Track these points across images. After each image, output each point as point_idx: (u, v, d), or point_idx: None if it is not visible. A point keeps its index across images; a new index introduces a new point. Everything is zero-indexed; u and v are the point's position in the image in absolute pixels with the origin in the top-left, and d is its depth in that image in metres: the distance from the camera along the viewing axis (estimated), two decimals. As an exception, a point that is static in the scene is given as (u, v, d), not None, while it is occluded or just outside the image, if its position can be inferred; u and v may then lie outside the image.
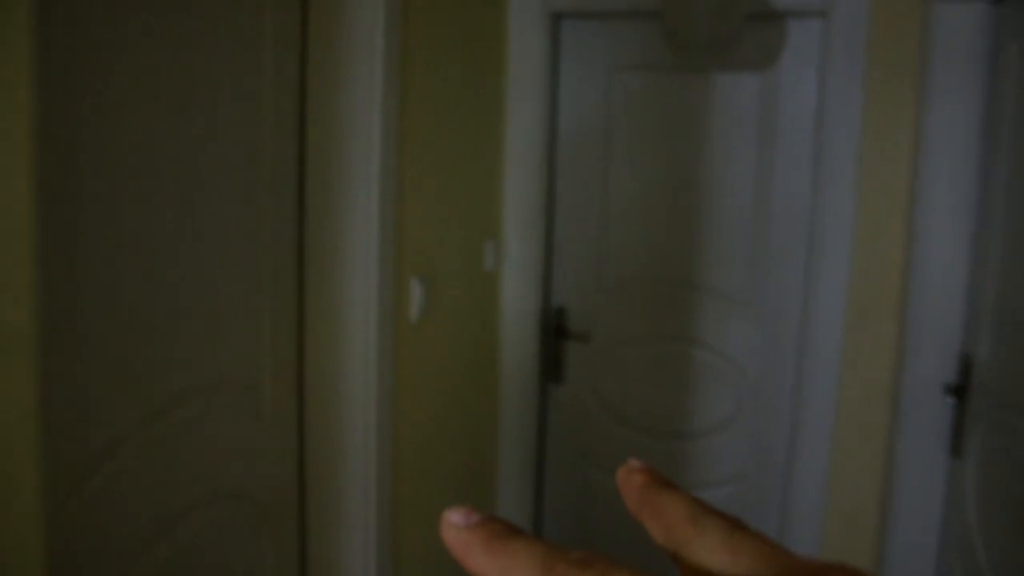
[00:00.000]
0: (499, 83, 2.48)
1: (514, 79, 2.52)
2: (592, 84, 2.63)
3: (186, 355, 1.37)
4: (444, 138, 2.03)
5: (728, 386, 2.63)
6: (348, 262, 1.61)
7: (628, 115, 2.61)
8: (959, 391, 2.18)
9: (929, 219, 2.19)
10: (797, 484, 2.46)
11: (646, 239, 2.64)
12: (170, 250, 1.31)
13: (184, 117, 1.30)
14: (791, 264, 2.52)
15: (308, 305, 1.66)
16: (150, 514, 1.30)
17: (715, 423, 2.66)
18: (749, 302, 2.57)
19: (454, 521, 0.27)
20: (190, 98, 1.31)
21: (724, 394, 2.64)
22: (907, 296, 2.24)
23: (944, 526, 2.25)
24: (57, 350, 1.10)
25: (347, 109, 1.57)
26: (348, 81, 1.55)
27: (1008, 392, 1.96)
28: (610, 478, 2.88)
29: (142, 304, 1.27)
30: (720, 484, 2.67)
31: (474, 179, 2.28)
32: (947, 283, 2.20)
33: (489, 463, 2.63)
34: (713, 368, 2.63)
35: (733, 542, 0.27)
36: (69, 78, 1.09)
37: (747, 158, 2.52)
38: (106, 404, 1.21)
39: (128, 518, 1.26)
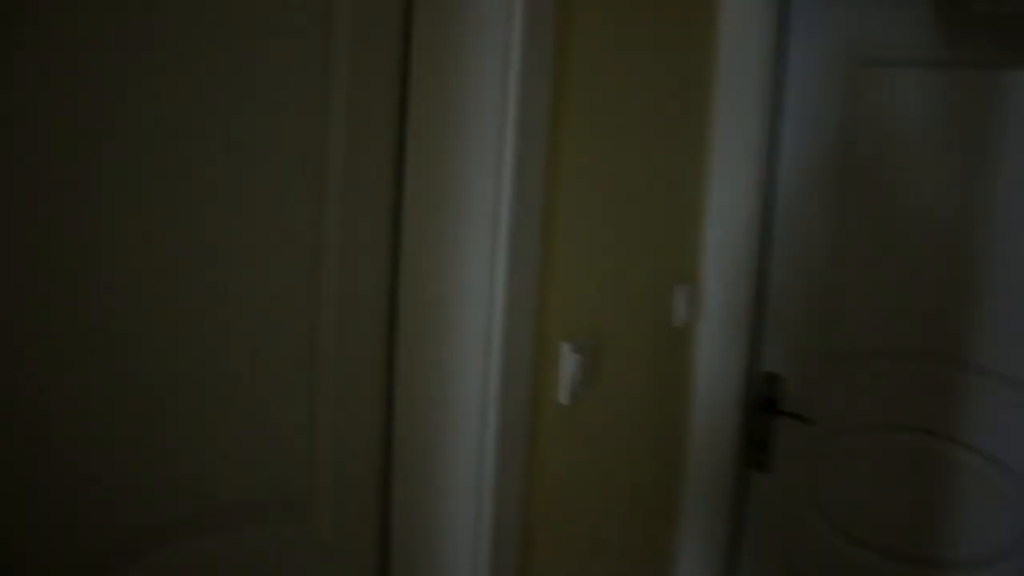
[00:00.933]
0: (703, 79, 1.87)
1: (724, 76, 1.90)
2: (830, 84, 1.97)
3: (195, 466, 0.87)
4: (619, 146, 1.45)
5: (1005, 506, 1.88)
6: (458, 324, 1.07)
7: (878, 125, 1.93)
8: None
9: None
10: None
11: (898, 293, 1.94)
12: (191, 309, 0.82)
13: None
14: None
15: (399, 388, 1.13)
16: None
17: (981, 555, 1.92)
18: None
19: None
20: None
21: (997, 516, 1.89)
22: None
23: None
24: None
25: (466, 93, 1.03)
26: (469, 50, 1.01)
27: None
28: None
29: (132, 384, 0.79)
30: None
31: (663, 203, 1.69)
32: None
33: (666, 557, 2.02)
34: (983, 478, 1.89)
35: None
36: None
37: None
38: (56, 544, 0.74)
39: None
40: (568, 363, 1.27)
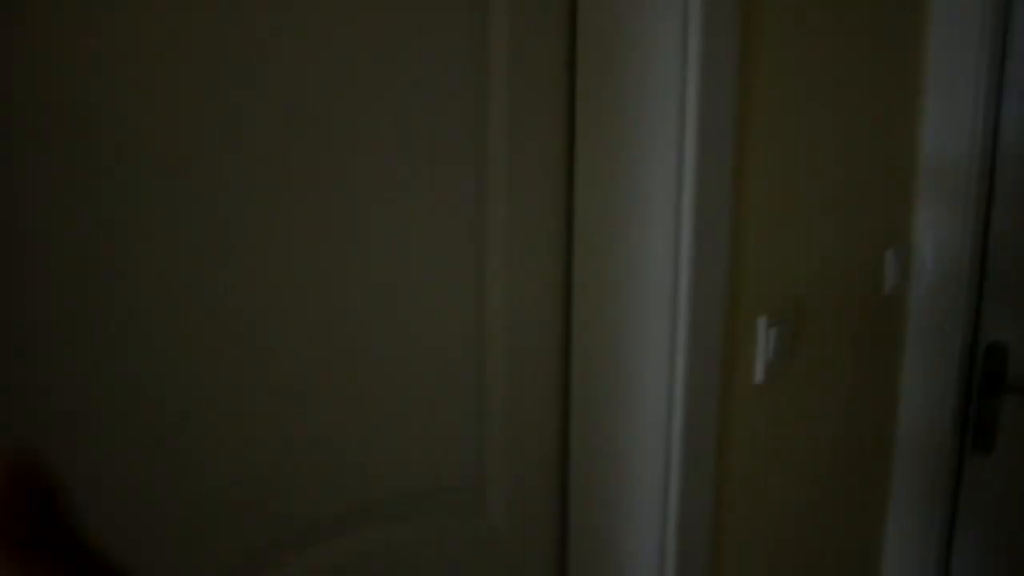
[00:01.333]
0: (915, 9, 1.64)
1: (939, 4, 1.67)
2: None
3: (359, 455, 0.82)
4: (818, 93, 1.28)
5: None
6: (639, 303, 0.96)
7: None
8: None
9: None
10: None
11: None
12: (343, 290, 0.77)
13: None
14: None
15: (575, 372, 1.03)
16: None
17: None
18: None
19: None
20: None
21: None
22: None
23: None
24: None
25: (646, 29, 0.90)
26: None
27: None
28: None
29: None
30: None
31: (869, 157, 1.49)
32: None
33: (871, 554, 1.84)
34: None
35: None
36: None
37: None
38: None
39: None
40: (764, 339, 1.13)
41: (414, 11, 0.79)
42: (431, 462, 0.89)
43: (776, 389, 1.23)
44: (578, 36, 0.96)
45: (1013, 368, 1.83)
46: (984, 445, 1.87)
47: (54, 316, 0.59)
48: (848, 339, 1.49)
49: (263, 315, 0.72)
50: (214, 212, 0.67)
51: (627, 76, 0.92)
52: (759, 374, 1.14)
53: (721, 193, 0.97)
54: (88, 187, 0.59)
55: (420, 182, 0.83)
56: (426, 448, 0.88)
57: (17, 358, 0.58)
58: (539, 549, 1.05)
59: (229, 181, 0.67)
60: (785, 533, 1.37)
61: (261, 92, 0.69)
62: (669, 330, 0.94)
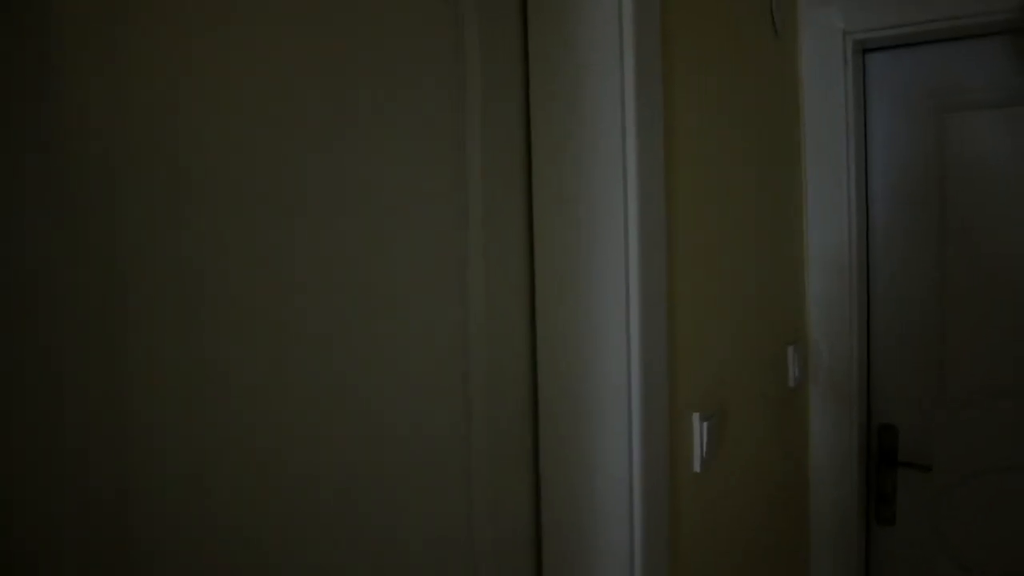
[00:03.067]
0: (790, 136, 1.91)
1: (810, 135, 1.95)
2: (916, 131, 1.99)
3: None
4: (730, 211, 1.49)
5: None
6: (603, 393, 1.11)
7: (968, 168, 1.94)
8: None
9: None
10: None
11: (1005, 333, 1.92)
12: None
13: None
14: None
15: (544, 470, 1.17)
16: None
17: None
18: None
19: None
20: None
21: None
22: None
23: None
24: None
25: (583, 147, 1.08)
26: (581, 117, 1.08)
27: None
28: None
29: None
30: None
31: (773, 265, 1.72)
32: None
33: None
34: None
35: None
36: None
37: None
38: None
39: None
40: (699, 433, 1.30)
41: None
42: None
43: (709, 478, 1.39)
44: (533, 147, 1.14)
45: (903, 446, 2.05)
46: (886, 517, 2.07)
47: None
48: (764, 428, 1.67)
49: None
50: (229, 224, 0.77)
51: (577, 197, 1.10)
52: (696, 464, 1.30)
53: (659, 299, 1.14)
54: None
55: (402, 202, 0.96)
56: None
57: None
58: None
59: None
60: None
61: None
62: (625, 431, 1.09)
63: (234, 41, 0.74)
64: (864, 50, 2.02)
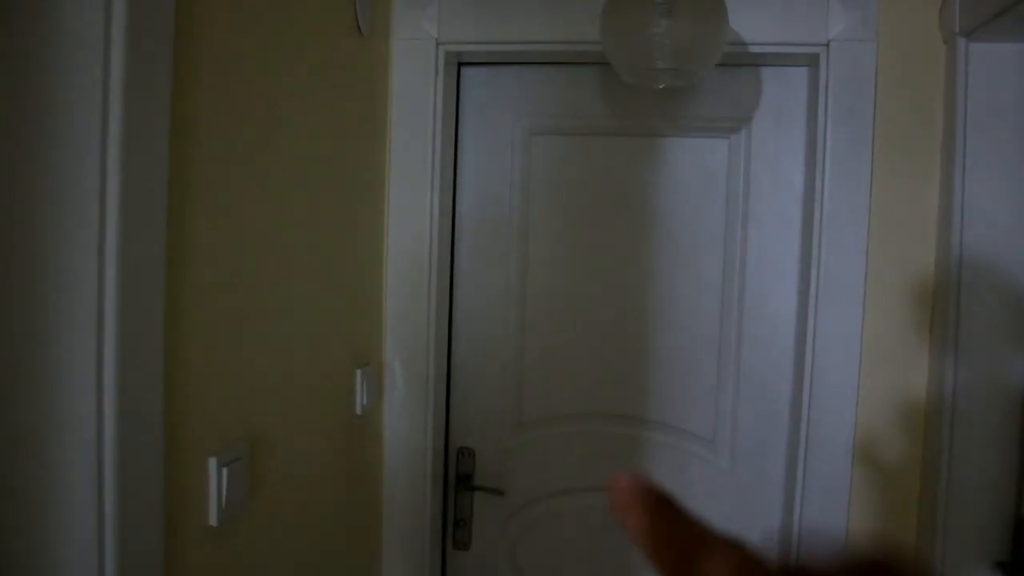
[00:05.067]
0: (377, 150, 1.80)
1: (398, 147, 1.85)
2: (506, 154, 1.97)
3: None
4: (276, 223, 1.33)
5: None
6: (53, 471, 0.87)
7: (553, 193, 1.96)
8: (1016, 571, 1.54)
9: (977, 329, 1.58)
10: None
11: (578, 358, 1.97)
12: None
13: None
14: (773, 391, 1.87)
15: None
16: None
17: (675, 604, 1.96)
18: (714, 441, 1.91)
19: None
20: None
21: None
22: (939, 433, 1.60)
23: None
24: None
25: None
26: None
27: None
28: None
29: None
30: None
31: (336, 288, 1.58)
32: (996, 413, 1.57)
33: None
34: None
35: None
36: None
37: (711, 247, 1.89)
38: None
39: None
40: (216, 480, 1.11)
41: None
42: None
43: (236, 529, 1.21)
44: None
45: (480, 469, 2.02)
46: (462, 542, 2.03)
47: None
48: (322, 461, 1.52)
49: None
50: None
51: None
52: (214, 517, 1.11)
53: (152, 337, 0.93)
54: None
55: None
56: None
57: None
58: None
59: None
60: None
61: None
62: (94, 490, 0.87)
63: None
64: (460, 63, 1.96)
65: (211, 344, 1.11)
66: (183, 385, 1.04)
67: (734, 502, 1.89)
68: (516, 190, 1.97)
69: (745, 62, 1.82)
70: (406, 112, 1.85)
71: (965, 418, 1.57)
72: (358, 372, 1.68)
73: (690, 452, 1.92)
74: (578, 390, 1.97)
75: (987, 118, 1.56)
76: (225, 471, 1.12)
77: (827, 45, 1.68)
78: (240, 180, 1.17)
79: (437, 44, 1.84)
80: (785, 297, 1.85)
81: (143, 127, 0.90)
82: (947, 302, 1.59)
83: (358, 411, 1.68)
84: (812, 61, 1.75)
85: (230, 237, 1.15)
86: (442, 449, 1.99)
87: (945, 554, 1.58)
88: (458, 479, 2.02)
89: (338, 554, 1.64)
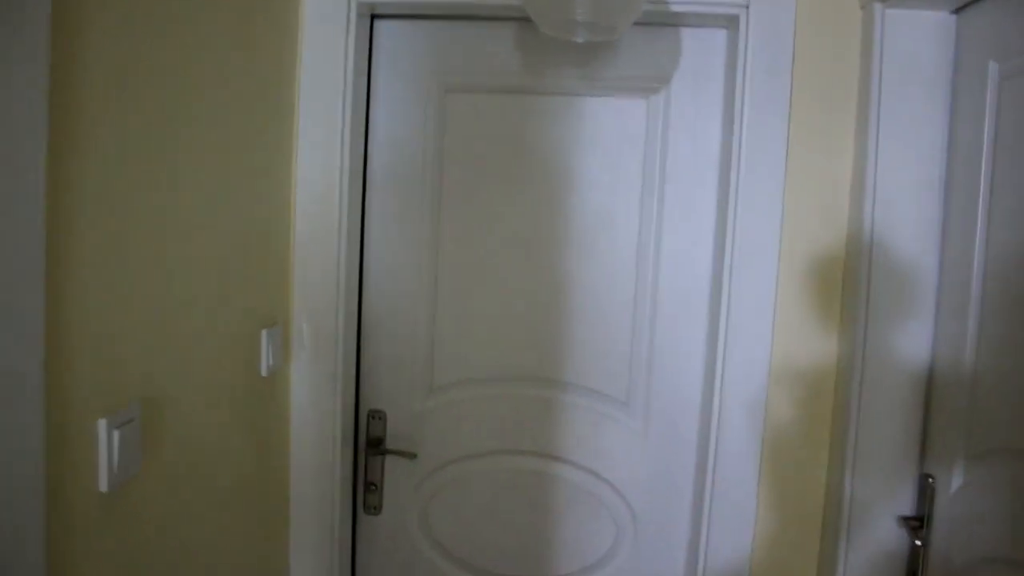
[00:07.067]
0: (284, 103, 1.72)
1: (306, 101, 1.77)
2: (420, 111, 1.91)
3: None
4: (176, 179, 1.25)
5: (603, 515, 1.94)
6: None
7: (468, 152, 1.91)
8: (919, 525, 1.59)
9: (886, 297, 1.60)
10: (698, 649, 1.80)
11: (490, 321, 1.94)
12: None
13: None
14: (687, 353, 1.88)
15: None
16: None
17: (587, 563, 1.97)
18: (628, 401, 1.91)
19: None
20: None
21: (598, 526, 1.95)
22: (848, 397, 1.63)
23: None
24: None
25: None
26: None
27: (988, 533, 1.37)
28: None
29: None
30: (593, 644, 1.98)
31: (237, 240, 1.50)
32: (901, 382, 1.61)
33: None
34: (582, 491, 1.94)
35: None
36: None
37: (627, 210, 1.87)
38: None
39: None
40: (107, 443, 1.04)
41: None
42: None
43: (131, 495, 1.14)
44: None
45: (392, 432, 1.98)
46: (373, 506, 1.99)
47: None
48: (224, 422, 1.46)
49: None
50: None
51: None
52: (104, 483, 1.04)
53: (33, 296, 0.86)
54: None
55: None
56: None
57: None
58: None
59: None
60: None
61: None
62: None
63: None
64: (373, 15, 1.89)
65: (100, 302, 1.04)
66: (67, 343, 0.97)
67: (647, 463, 1.90)
68: (430, 149, 1.91)
69: (666, 21, 1.80)
70: (316, 65, 1.77)
71: (873, 383, 1.60)
72: (263, 332, 1.61)
73: (604, 414, 1.91)
74: (492, 352, 1.94)
75: (901, 85, 1.58)
76: (116, 433, 1.05)
77: (747, 7, 1.67)
78: (135, 133, 1.09)
79: (350, -6, 1.76)
80: (701, 260, 1.85)
81: (19, 53, 0.82)
82: (858, 268, 1.62)
83: (263, 372, 1.62)
84: (732, 23, 1.74)
85: (122, 189, 1.07)
86: (352, 412, 1.94)
87: (852, 509, 1.62)
88: (369, 443, 1.98)
89: (243, 520, 1.58)
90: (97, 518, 1.06)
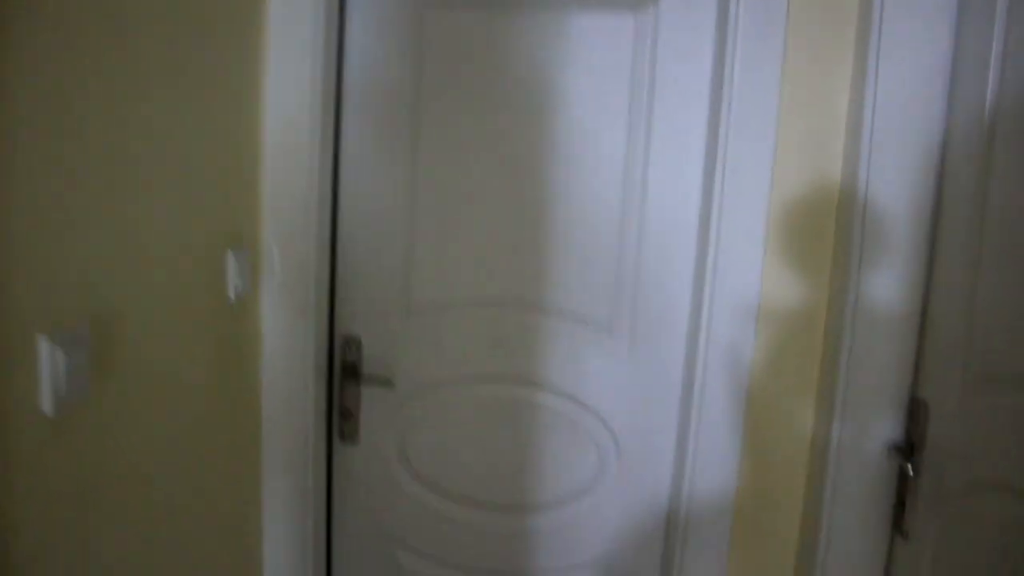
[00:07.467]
0: (253, 19, 1.61)
1: (276, 16, 1.66)
2: (395, 28, 1.80)
3: None
4: (135, 86, 1.15)
5: (586, 441, 1.90)
6: None
7: (446, 73, 1.81)
8: (908, 453, 1.55)
9: (875, 226, 1.53)
10: (685, 570, 1.77)
11: (470, 244, 1.86)
12: None
13: None
14: (673, 278, 1.81)
15: None
16: None
17: (569, 491, 1.93)
18: (612, 328, 1.85)
19: None
20: None
21: (580, 452, 1.91)
22: (840, 328, 1.57)
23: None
24: None
25: None
26: None
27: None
28: (431, 567, 2.07)
29: None
30: (579, 569, 1.95)
31: (199, 153, 1.41)
32: (894, 312, 1.55)
33: (252, 557, 1.78)
34: (564, 417, 1.89)
35: None
36: None
37: (614, 133, 1.78)
38: None
39: None
40: (49, 363, 0.96)
41: None
42: None
43: (82, 420, 1.07)
44: None
45: (368, 358, 1.92)
46: (350, 435, 1.94)
47: None
48: (187, 346, 1.39)
49: None
50: None
51: None
52: (48, 405, 0.97)
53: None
54: None
55: None
56: None
57: None
58: None
59: None
60: (140, 544, 1.22)
61: None
62: None
63: None
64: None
65: (45, 217, 0.95)
66: (5, 255, 0.89)
67: (631, 390, 1.85)
68: (407, 67, 1.81)
69: (655, -76, 1.69)
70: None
71: (865, 312, 1.54)
72: (229, 253, 1.53)
73: (587, 339, 1.85)
74: (471, 275, 1.87)
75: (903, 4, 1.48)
76: (60, 352, 0.98)
77: (742, -94, 1.57)
78: (87, 43, 1.00)
79: None
80: (691, 185, 1.77)
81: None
82: (854, 196, 1.54)
83: (231, 296, 1.54)
84: (725, -76, 1.63)
85: (71, 99, 0.98)
86: (326, 338, 1.87)
87: (842, 436, 1.57)
88: (344, 370, 1.91)
89: (210, 450, 1.52)
90: (42, 441, 0.99)
